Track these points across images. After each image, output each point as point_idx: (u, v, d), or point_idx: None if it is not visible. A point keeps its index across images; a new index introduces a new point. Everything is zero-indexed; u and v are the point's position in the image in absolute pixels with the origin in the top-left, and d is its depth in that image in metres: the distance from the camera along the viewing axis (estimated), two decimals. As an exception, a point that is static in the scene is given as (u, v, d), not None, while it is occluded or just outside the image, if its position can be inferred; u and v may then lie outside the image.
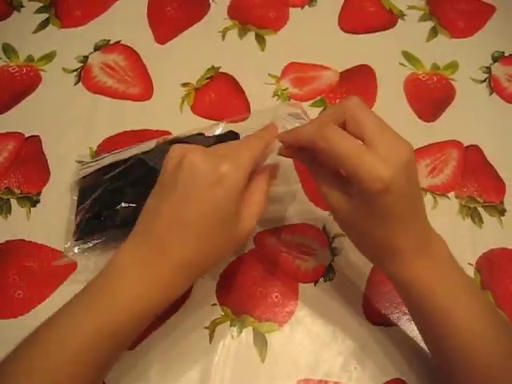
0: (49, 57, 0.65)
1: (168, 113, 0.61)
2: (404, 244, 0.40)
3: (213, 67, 0.65)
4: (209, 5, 0.70)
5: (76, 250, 0.51)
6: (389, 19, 0.70)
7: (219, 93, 0.63)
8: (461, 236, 0.54)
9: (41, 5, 0.70)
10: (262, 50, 0.67)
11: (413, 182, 0.40)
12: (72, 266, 0.52)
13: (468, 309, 0.40)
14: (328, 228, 0.54)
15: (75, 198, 0.54)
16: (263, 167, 0.46)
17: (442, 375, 0.44)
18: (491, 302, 0.43)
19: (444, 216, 0.55)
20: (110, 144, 0.59)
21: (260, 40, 0.67)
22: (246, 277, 0.52)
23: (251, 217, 0.42)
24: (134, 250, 0.41)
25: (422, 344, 0.48)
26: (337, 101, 0.62)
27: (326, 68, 0.65)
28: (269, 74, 0.64)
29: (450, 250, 0.42)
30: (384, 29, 0.69)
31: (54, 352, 0.37)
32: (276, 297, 0.51)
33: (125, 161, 0.53)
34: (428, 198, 0.56)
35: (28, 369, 0.37)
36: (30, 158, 0.58)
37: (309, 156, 0.44)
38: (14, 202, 0.55)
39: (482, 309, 0.41)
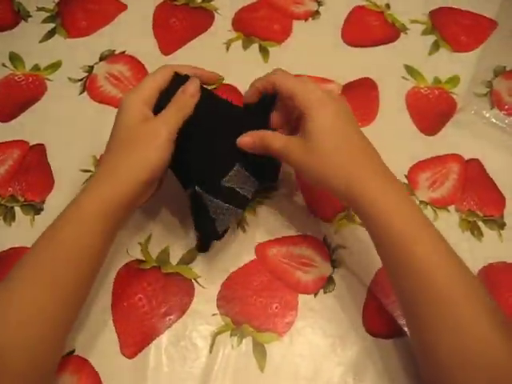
0: (55, 66, 0.66)
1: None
2: (352, 168, 0.45)
3: (217, 78, 0.65)
4: (213, 16, 0.71)
5: None
6: (391, 33, 0.70)
7: (222, 104, 0.63)
8: (460, 249, 0.53)
9: (48, 15, 0.70)
10: (266, 61, 0.67)
11: (346, 117, 0.47)
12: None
13: (424, 236, 0.43)
14: (329, 240, 0.55)
15: None
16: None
17: (414, 333, 0.45)
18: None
19: (444, 229, 0.55)
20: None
21: (264, 52, 0.68)
22: (247, 287, 0.52)
23: (156, 123, 0.47)
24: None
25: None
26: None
27: (329, 81, 0.66)
28: (272, 86, 0.65)
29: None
30: (386, 42, 0.69)
31: (72, 223, 0.44)
32: (276, 307, 0.51)
33: None
34: (428, 211, 0.57)
35: (50, 237, 0.44)
36: (34, 166, 0.59)
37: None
38: (17, 209, 0.56)
39: (437, 237, 0.44)
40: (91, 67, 0.66)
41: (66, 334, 0.45)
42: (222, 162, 0.49)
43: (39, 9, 0.71)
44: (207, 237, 0.53)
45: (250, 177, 0.51)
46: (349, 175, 0.45)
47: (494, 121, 0.62)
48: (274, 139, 0.48)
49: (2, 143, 0.60)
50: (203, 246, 0.54)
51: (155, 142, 0.46)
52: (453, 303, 0.40)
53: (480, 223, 0.57)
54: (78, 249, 0.44)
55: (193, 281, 0.52)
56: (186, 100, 0.48)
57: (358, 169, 0.45)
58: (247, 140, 0.49)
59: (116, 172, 0.46)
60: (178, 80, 0.50)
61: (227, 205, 0.49)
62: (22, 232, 0.55)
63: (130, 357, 0.49)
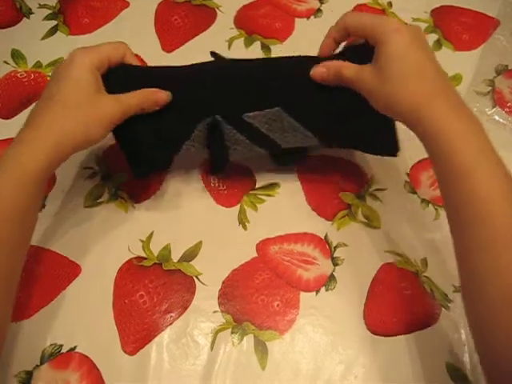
0: (56, 63, 0.66)
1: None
2: (422, 96, 0.44)
3: (218, 76, 0.65)
4: (215, 14, 0.71)
5: None
6: (393, 31, 0.70)
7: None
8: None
9: (50, 12, 0.71)
10: (268, 59, 0.67)
11: (421, 45, 0.46)
12: (76, 270, 0.52)
13: (487, 169, 0.41)
14: (330, 238, 0.55)
15: None
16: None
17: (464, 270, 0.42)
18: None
19: (446, 227, 0.55)
20: (115, 151, 0.59)
21: (266, 49, 0.68)
22: (248, 285, 0.52)
23: (110, 101, 0.47)
24: (21, 131, 0.45)
25: (421, 354, 0.48)
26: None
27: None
28: (274, 84, 0.65)
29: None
30: (389, 40, 0.69)
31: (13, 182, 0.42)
32: (277, 305, 0.51)
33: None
34: (430, 210, 0.57)
35: None
36: (36, 163, 0.59)
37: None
38: (19, 206, 0.56)
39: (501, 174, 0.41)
40: (93, 64, 0.66)
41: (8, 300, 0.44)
42: (251, 97, 0.50)
43: (41, 6, 0.71)
44: (218, 162, 0.54)
45: (298, 128, 0.51)
46: (417, 101, 0.44)
47: (497, 118, 0.62)
48: (346, 67, 0.48)
49: (4, 140, 0.60)
50: (215, 168, 0.55)
51: (104, 119, 0.47)
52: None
53: (482, 222, 0.56)
54: (18, 210, 0.42)
55: (194, 278, 0.52)
56: (151, 99, 0.49)
57: (428, 96, 0.44)
58: (320, 70, 0.50)
59: (59, 131, 0.45)
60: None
61: (244, 138, 0.50)
62: (23, 229, 0.55)
63: (132, 354, 0.49)
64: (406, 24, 0.48)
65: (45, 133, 0.44)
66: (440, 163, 0.43)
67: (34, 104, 0.61)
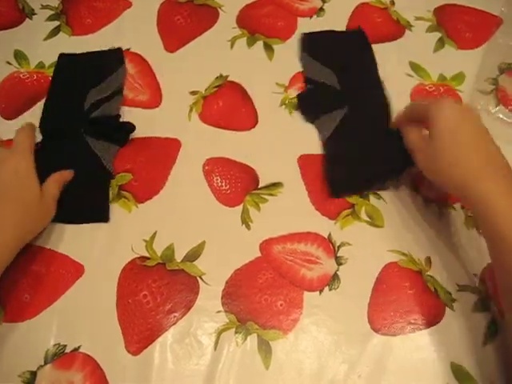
0: (59, 63, 0.66)
1: (176, 120, 0.62)
2: (470, 170, 0.47)
3: (221, 76, 0.65)
4: (218, 14, 0.71)
5: None
6: (396, 30, 0.70)
7: (227, 101, 0.64)
8: (466, 246, 0.54)
9: (52, 12, 0.71)
10: (271, 59, 0.67)
11: (470, 120, 0.49)
12: (80, 270, 0.52)
13: None
14: (334, 237, 0.55)
15: None
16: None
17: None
18: None
19: (449, 226, 0.55)
20: (118, 152, 0.60)
21: (268, 49, 0.68)
22: (252, 284, 0.52)
23: (51, 196, 0.53)
24: None
25: (426, 354, 0.48)
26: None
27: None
28: (277, 83, 0.65)
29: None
30: (391, 39, 0.69)
31: None
32: (281, 305, 0.51)
33: None
34: (433, 209, 0.56)
35: None
36: (39, 163, 0.59)
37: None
38: (22, 206, 0.56)
39: None
40: (96, 65, 0.66)
41: None
42: None
43: (44, 6, 0.71)
44: None
45: None
46: (463, 173, 0.47)
47: (501, 116, 0.62)
48: (412, 133, 0.53)
49: (8, 140, 0.60)
50: None
51: (47, 218, 0.53)
52: None
53: (485, 220, 0.56)
54: None
55: (198, 278, 0.52)
56: (62, 182, 0.55)
57: (473, 167, 0.47)
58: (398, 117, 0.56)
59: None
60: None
61: None
62: (27, 229, 0.55)
63: (135, 354, 0.49)
64: (448, 101, 0.50)
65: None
66: (488, 238, 0.46)
67: (36, 105, 0.62)
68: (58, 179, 0.55)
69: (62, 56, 0.66)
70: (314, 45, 0.67)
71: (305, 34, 0.68)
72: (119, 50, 0.67)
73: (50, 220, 0.53)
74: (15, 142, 0.54)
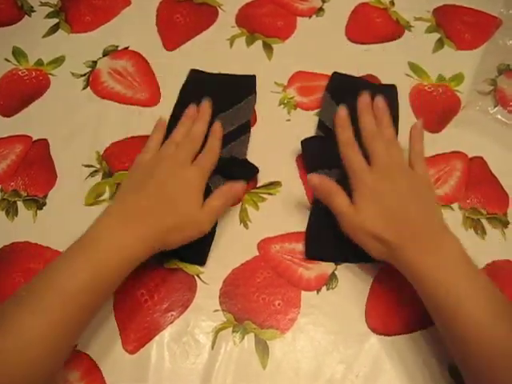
0: (58, 61, 0.66)
1: (175, 119, 0.62)
2: (390, 237, 0.47)
3: (220, 74, 0.65)
4: (217, 12, 0.71)
5: None
6: (395, 30, 0.70)
7: (226, 100, 0.63)
8: (464, 247, 0.54)
9: (51, 10, 0.70)
10: (269, 58, 0.67)
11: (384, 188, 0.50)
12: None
13: (475, 303, 0.44)
14: (331, 236, 0.55)
15: None
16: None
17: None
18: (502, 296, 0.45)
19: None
20: (116, 149, 0.60)
21: (267, 48, 0.68)
22: (249, 284, 0.52)
23: (211, 208, 0.51)
24: (119, 213, 0.48)
25: (423, 354, 0.48)
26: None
27: (334, 77, 0.65)
28: (275, 83, 0.65)
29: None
30: (390, 39, 0.69)
31: (50, 295, 0.42)
32: (278, 304, 0.51)
33: None
34: (432, 209, 0.56)
35: (30, 309, 0.41)
36: (37, 161, 0.59)
37: None
38: (20, 204, 0.56)
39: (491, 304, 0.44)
40: (95, 62, 0.66)
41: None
42: None
43: (43, 4, 0.71)
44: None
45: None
46: (383, 241, 0.47)
47: (500, 117, 0.62)
48: (340, 196, 0.51)
49: (5, 138, 0.60)
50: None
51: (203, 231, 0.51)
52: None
53: (483, 221, 0.56)
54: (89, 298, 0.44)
55: (195, 276, 0.52)
56: (230, 196, 0.53)
57: (394, 236, 0.47)
58: (315, 180, 0.52)
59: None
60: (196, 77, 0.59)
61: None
62: (24, 227, 0.55)
63: (132, 352, 0.49)
64: (367, 170, 0.51)
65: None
66: (422, 295, 0.47)
67: (34, 102, 0.62)
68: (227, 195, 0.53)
69: (192, 71, 0.65)
70: (340, 88, 0.64)
71: (336, 73, 0.65)
72: (253, 77, 0.64)
73: (192, 238, 0.51)
74: (199, 160, 0.54)
